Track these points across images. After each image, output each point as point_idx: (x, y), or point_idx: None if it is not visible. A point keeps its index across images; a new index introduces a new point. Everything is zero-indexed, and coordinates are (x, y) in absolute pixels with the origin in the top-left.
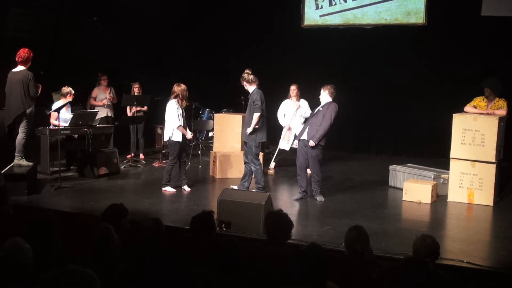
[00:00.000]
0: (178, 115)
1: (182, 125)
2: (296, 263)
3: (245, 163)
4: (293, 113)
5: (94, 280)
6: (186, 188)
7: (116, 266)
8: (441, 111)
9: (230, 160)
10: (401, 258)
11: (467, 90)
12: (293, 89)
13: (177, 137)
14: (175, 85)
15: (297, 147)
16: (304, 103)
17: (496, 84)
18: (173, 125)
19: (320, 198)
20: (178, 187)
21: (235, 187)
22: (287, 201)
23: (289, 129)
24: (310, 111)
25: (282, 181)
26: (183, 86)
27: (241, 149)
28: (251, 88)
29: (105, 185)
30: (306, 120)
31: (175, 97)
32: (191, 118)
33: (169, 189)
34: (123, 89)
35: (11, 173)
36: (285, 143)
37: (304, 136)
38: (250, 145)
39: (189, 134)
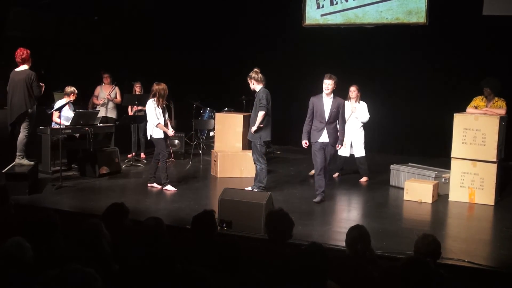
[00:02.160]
0: (156, 114)
1: (162, 123)
2: (296, 262)
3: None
4: (348, 116)
5: (96, 279)
6: (155, 185)
7: (109, 262)
8: (442, 111)
9: (231, 160)
10: (402, 258)
11: (468, 90)
12: (353, 90)
13: (159, 134)
14: (154, 84)
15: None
16: (362, 106)
17: (495, 84)
18: (152, 123)
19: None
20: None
21: (249, 188)
22: (288, 200)
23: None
24: (368, 116)
25: (283, 180)
26: (162, 85)
27: (243, 149)
28: (258, 87)
29: (106, 185)
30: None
31: (153, 96)
32: (192, 117)
33: (170, 188)
34: (125, 88)
35: (12, 172)
36: (342, 148)
37: (324, 139)
38: (255, 144)
39: (170, 132)
